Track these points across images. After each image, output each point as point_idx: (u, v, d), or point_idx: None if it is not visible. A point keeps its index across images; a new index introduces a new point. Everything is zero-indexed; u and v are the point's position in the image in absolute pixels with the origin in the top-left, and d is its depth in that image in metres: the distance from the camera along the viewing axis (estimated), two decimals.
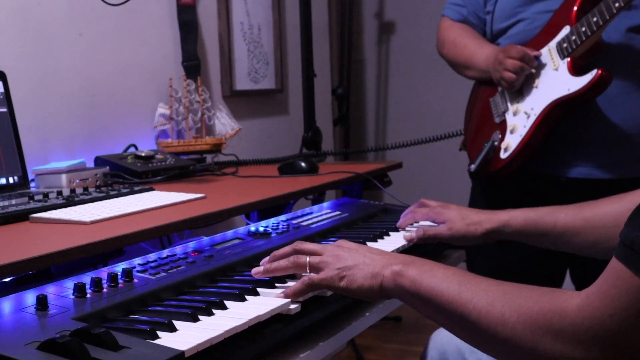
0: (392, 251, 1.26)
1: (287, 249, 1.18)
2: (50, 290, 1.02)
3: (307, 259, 1.13)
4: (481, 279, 0.94)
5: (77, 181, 1.73)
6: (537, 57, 1.81)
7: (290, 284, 1.13)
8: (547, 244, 1.39)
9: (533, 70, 1.82)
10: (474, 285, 0.92)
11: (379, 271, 1.05)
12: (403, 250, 1.46)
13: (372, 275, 1.06)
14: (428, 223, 1.55)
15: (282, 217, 1.63)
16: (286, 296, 1.09)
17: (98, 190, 1.61)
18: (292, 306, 1.08)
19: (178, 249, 1.29)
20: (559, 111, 1.77)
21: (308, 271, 1.12)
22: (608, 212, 1.27)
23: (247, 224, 1.73)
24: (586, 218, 1.30)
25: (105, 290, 1.04)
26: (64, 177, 1.71)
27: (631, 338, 0.76)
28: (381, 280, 1.05)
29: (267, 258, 1.19)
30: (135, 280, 1.09)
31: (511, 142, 1.85)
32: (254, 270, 1.17)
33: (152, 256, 1.23)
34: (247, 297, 1.08)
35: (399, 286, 1.02)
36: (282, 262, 1.15)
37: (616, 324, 0.77)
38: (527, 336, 0.84)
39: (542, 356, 0.83)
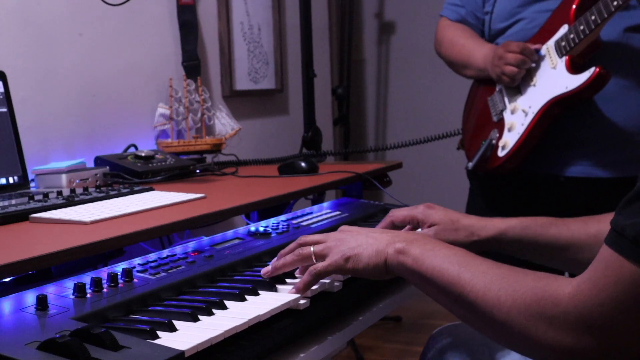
0: None
1: (291, 245, 1.18)
2: (50, 290, 1.02)
3: (312, 249, 1.13)
4: (481, 261, 0.95)
5: (77, 181, 1.73)
6: (538, 50, 1.81)
7: (291, 282, 1.14)
8: (544, 258, 1.26)
9: (533, 65, 1.82)
10: (474, 266, 0.94)
11: (383, 249, 1.06)
12: None
13: (377, 253, 1.06)
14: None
15: (282, 217, 1.63)
16: (297, 291, 1.10)
17: (98, 190, 1.61)
18: (302, 301, 1.09)
19: (178, 249, 1.29)
20: (557, 109, 1.77)
21: (314, 261, 1.12)
22: None
23: (247, 224, 1.73)
24: (591, 233, 1.19)
25: (105, 290, 1.04)
26: (64, 177, 1.72)
27: (621, 326, 0.77)
28: (385, 257, 1.06)
29: (275, 258, 1.20)
30: (135, 280, 1.09)
31: (509, 140, 1.85)
32: (263, 270, 1.17)
33: (152, 256, 1.23)
34: (247, 297, 1.08)
35: (402, 264, 1.03)
36: (288, 257, 1.15)
37: (606, 313, 0.78)
38: (520, 321, 0.85)
39: (535, 342, 0.84)
